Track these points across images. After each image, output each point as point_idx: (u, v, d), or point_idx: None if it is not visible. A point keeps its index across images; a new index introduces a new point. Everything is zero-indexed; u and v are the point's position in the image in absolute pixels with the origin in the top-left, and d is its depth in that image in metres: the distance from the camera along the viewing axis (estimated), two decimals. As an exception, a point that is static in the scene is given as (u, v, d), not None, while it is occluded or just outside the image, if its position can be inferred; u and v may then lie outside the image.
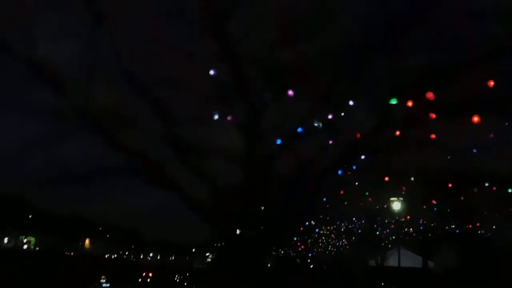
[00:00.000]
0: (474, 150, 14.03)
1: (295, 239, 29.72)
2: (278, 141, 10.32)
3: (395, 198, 23.21)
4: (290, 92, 9.00)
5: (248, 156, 11.41)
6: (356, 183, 17.23)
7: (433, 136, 11.30)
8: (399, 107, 9.42)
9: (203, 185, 12.45)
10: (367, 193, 18.87)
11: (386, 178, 14.84)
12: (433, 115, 8.96)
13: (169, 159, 12.56)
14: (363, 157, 10.48)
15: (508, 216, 24.22)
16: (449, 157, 13.67)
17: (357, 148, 10.36)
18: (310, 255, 37.72)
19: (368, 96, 9.80)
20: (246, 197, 12.00)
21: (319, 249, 38.00)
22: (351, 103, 9.12)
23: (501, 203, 21.89)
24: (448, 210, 24.91)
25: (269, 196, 12.86)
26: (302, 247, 34.73)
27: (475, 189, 17.93)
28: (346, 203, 20.66)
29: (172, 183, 12.28)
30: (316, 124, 9.68)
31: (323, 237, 33.65)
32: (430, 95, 8.54)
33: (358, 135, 10.07)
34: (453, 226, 27.44)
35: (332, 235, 33.57)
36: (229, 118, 9.94)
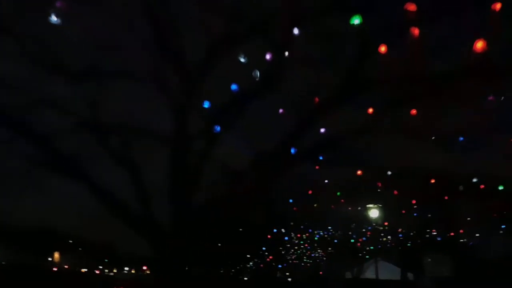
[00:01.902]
0: (461, 139, 11.76)
1: (263, 248, 27.03)
2: (206, 104, 7.75)
3: (372, 205, 20.98)
4: None
5: (179, 137, 8.78)
6: (326, 181, 14.94)
7: (414, 111, 8.94)
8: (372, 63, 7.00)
9: (127, 180, 9.67)
10: (338, 193, 16.51)
11: (359, 172, 12.45)
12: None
13: (81, 144, 9.82)
14: (322, 130, 7.99)
15: (492, 222, 22.34)
16: (432, 144, 11.30)
17: (316, 119, 7.88)
18: (280, 266, 34.98)
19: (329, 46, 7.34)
20: (180, 193, 9.28)
21: (294, 261, 35.48)
22: (296, 31, 6.58)
23: (485, 208, 19.93)
24: (429, 215, 22.83)
25: (211, 192, 10.21)
26: (271, 257, 31.89)
27: (461, 187, 15.67)
28: (315, 205, 18.16)
29: (85, 177, 9.41)
30: (248, 69, 7.12)
31: (296, 247, 31.09)
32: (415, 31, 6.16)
33: (317, 100, 7.61)
34: (435, 233, 25.26)
35: (307, 245, 31.18)
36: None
